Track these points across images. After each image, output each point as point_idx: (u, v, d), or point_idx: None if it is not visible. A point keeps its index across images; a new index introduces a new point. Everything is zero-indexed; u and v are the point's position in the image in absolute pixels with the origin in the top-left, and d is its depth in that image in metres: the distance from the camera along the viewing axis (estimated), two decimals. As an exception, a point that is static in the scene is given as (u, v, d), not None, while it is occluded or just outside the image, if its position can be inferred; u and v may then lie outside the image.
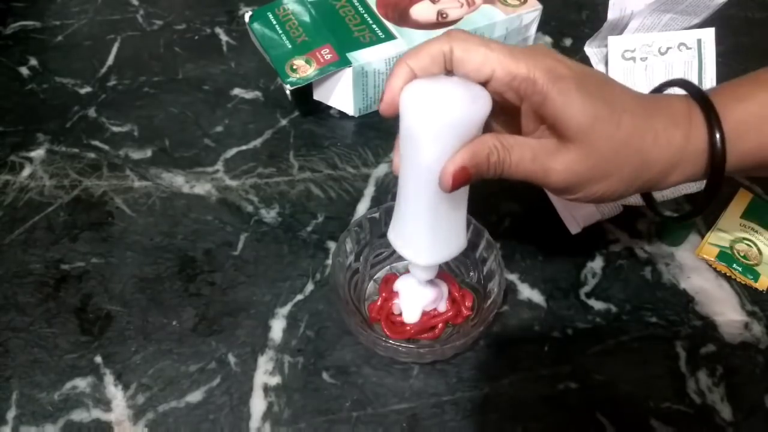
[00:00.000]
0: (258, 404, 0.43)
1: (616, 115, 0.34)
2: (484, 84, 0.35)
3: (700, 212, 0.39)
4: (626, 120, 0.34)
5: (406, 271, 0.48)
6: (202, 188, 0.54)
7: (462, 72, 0.35)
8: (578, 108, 0.33)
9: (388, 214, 0.47)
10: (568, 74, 0.34)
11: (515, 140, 0.35)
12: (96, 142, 0.57)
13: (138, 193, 0.54)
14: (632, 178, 0.36)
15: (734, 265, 0.49)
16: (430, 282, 0.45)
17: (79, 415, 0.43)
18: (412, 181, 0.36)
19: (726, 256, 0.49)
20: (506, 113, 0.37)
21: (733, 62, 0.64)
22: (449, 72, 0.36)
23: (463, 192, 0.38)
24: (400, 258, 0.49)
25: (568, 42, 0.67)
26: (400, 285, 0.45)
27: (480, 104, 0.34)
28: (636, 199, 0.51)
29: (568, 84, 0.33)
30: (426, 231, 0.38)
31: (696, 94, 0.36)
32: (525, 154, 0.35)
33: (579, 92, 0.33)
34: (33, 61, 0.64)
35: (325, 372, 0.44)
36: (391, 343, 0.41)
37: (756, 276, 0.48)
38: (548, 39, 0.67)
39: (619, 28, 0.62)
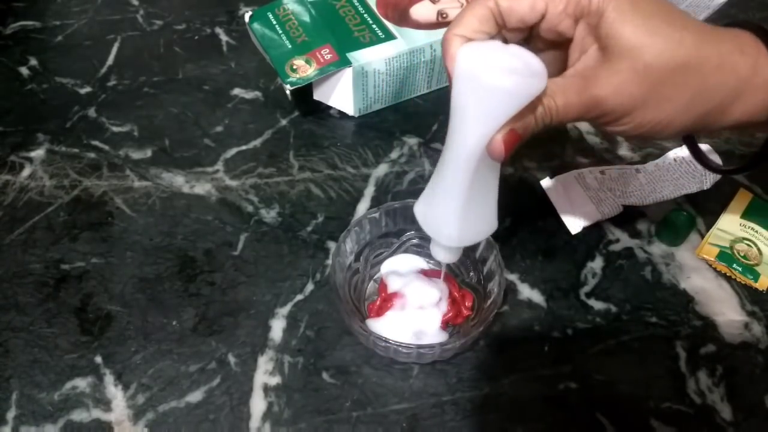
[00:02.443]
0: (258, 404, 0.43)
1: (676, 32, 0.32)
2: (539, 23, 0.34)
3: (757, 164, 0.36)
4: (687, 38, 0.32)
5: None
6: (202, 188, 0.54)
7: (516, 18, 0.34)
8: (634, 23, 0.32)
9: (388, 214, 0.48)
10: None
11: (556, 85, 0.33)
12: (96, 142, 0.57)
13: (138, 193, 0.54)
14: (690, 106, 0.33)
15: (734, 265, 0.49)
16: (430, 282, 0.45)
17: (79, 415, 0.43)
18: (454, 154, 0.35)
19: (726, 256, 0.49)
20: (553, 52, 0.36)
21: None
22: (502, 32, 0.34)
23: (496, 173, 0.37)
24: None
25: (568, 42, 0.66)
26: (400, 286, 0.45)
27: (536, 80, 0.32)
28: (636, 199, 0.51)
29: (624, 1, 0.32)
30: (458, 210, 0.37)
31: (760, 29, 0.34)
32: (569, 94, 0.33)
33: (636, 7, 0.32)
34: (33, 61, 0.64)
35: (325, 372, 0.44)
36: (391, 343, 0.41)
37: (756, 276, 0.48)
38: (548, 39, 0.67)
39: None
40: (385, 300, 0.45)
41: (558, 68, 0.37)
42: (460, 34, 0.34)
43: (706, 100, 0.33)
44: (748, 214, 0.52)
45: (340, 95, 0.57)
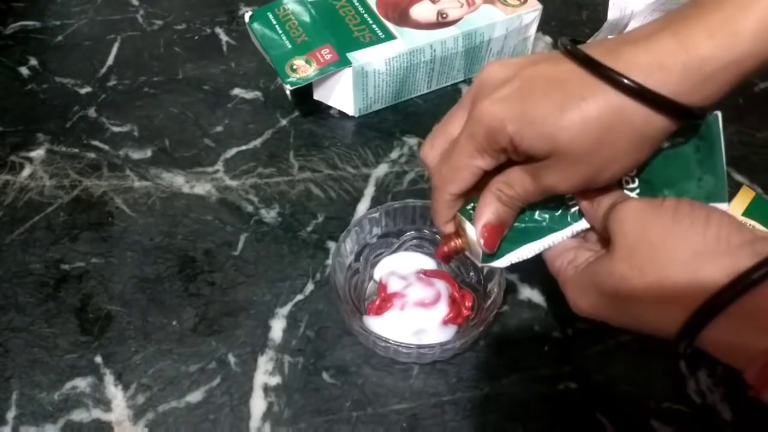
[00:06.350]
0: (258, 404, 0.43)
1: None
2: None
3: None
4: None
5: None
6: (202, 188, 0.54)
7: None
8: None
9: (388, 214, 0.48)
10: None
11: (507, 176, 0.36)
12: (96, 142, 0.57)
13: (138, 193, 0.54)
14: (632, 143, 0.32)
15: (734, 265, 0.49)
16: (429, 283, 0.45)
17: (79, 415, 0.43)
18: None
19: (726, 256, 0.49)
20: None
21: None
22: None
23: None
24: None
25: (568, 42, 0.66)
26: (400, 286, 0.46)
27: None
28: None
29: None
30: None
31: None
32: (525, 181, 0.35)
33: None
34: (33, 61, 0.64)
35: (325, 372, 0.44)
36: (391, 343, 0.41)
37: (756, 276, 0.48)
38: (548, 39, 0.67)
39: (619, 28, 0.62)
40: (385, 300, 0.45)
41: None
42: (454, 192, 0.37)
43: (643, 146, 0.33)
44: (749, 212, 0.52)
45: (340, 95, 0.57)
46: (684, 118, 0.32)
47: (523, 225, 0.38)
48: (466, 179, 0.36)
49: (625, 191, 0.37)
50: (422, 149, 0.39)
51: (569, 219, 0.38)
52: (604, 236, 0.36)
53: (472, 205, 0.38)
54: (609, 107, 0.31)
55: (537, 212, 0.38)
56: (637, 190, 0.37)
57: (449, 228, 0.39)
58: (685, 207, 0.32)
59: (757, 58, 0.31)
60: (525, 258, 0.39)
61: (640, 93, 0.31)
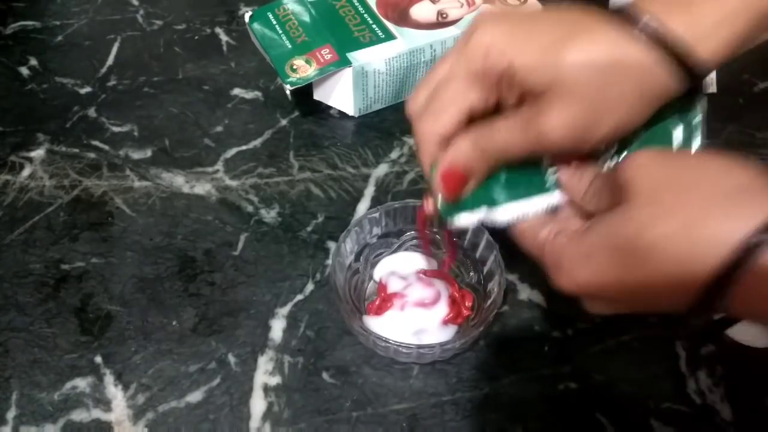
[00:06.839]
0: (258, 404, 0.43)
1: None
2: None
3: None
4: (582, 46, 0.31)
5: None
6: (202, 188, 0.54)
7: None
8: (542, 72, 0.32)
9: (388, 214, 0.48)
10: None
11: (491, 124, 0.33)
12: (96, 142, 0.57)
13: (138, 193, 0.54)
14: (635, 95, 0.32)
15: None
16: (429, 283, 0.45)
17: (79, 415, 0.43)
18: None
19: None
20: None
21: (731, 61, 0.64)
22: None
23: None
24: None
25: (568, 42, 0.66)
26: (400, 286, 0.46)
27: None
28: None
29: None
30: None
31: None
32: (512, 128, 0.33)
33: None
34: (33, 61, 0.64)
35: (325, 372, 0.44)
36: (391, 343, 0.41)
37: (756, 276, 0.48)
38: (548, 39, 0.67)
39: (619, 28, 0.62)
40: (385, 300, 0.45)
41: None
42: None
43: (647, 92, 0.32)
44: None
45: (340, 95, 0.57)
46: (686, 73, 0.31)
47: (497, 186, 0.36)
48: (452, 116, 0.33)
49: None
50: (408, 102, 0.35)
51: (548, 188, 0.36)
52: (585, 210, 0.35)
53: None
54: (618, 46, 0.31)
55: (514, 175, 0.36)
56: None
57: None
58: (707, 154, 0.30)
59: (748, 10, 0.31)
60: (497, 222, 0.36)
61: (653, 34, 0.30)
